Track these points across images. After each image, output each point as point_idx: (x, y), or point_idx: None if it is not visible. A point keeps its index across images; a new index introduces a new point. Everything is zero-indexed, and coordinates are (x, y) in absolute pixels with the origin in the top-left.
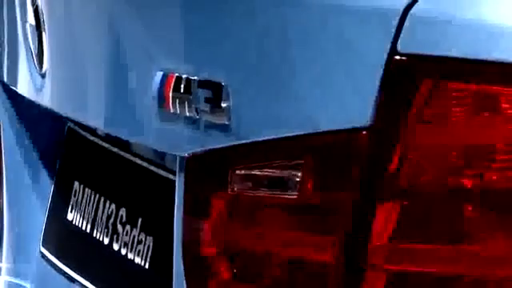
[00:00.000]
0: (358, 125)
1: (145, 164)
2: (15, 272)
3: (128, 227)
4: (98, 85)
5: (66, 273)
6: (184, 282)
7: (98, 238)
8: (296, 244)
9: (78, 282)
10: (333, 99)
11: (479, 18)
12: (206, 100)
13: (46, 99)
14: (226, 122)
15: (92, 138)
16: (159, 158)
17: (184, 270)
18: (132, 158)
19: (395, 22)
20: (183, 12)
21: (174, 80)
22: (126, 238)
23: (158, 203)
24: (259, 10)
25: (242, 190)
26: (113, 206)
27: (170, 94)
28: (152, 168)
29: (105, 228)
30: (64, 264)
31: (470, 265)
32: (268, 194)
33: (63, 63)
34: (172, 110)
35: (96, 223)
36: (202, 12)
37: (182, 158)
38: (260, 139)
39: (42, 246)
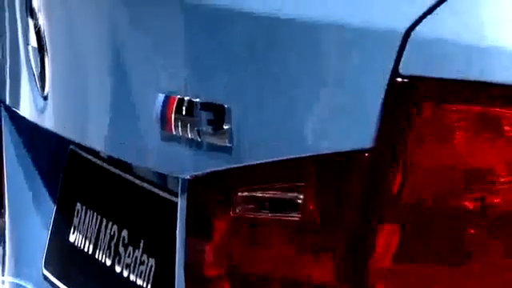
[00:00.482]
0: (359, 146)
1: (147, 186)
2: None
3: (130, 249)
4: (100, 107)
5: None
6: None
7: (100, 259)
8: (298, 265)
9: None
10: (334, 121)
11: (481, 40)
12: (208, 122)
13: (48, 121)
14: (228, 144)
15: (94, 159)
16: (161, 180)
17: None
18: (134, 180)
19: (397, 44)
20: (185, 35)
21: (176, 102)
22: (129, 260)
23: (160, 225)
24: (260, 33)
25: (244, 212)
26: (115, 227)
27: (172, 116)
28: (154, 190)
29: (107, 249)
30: (66, 286)
31: (471, 287)
32: (270, 215)
33: (65, 85)
34: (174, 132)
35: (98, 245)
36: (204, 35)
37: (184, 179)
38: (262, 161)
39: (44, 267)
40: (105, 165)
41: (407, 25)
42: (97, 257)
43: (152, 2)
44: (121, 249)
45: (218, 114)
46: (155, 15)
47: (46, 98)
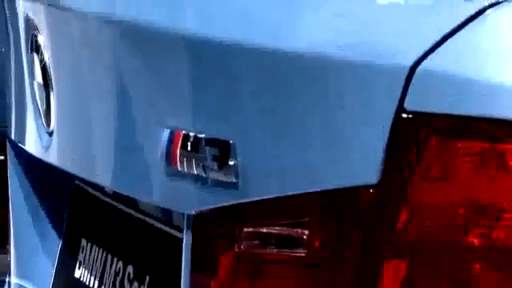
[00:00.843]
0: (364, 182)
1: (152, 221)
2: None
3: (136, 284)
4: (105, 143)
5: None
6: None
7: None
8: None
9: None
10: (340, 157)
11: (486, 76)
12: (214, 158)
13: (53, 157)
14: (234, 180)
15: (99, 195)
16: (166, 216)
17: None
18: (139, 216)
19: (402, 80)
20: (190, 71)
21: (181, 138)
22: None
23: (166, 261)
24: (266, 69)
25: (249, 248)
26: (120, 263)
27: (178, 152)
28: (159, 225)
29: (112, 285)
30: None
31: None
32: (275, 251)
33: (71, 121)
34: (179, 168)
35: (104, 280)
36: (209, 71)
37: (189, 215)
38: (267, 197)
39: None
40: (110, 200)
41: (413, 60)
42: None
43: (157, 38)
44: (126, 285)
45: (223, 150)
46: (160, 51)
47: (51, 134)
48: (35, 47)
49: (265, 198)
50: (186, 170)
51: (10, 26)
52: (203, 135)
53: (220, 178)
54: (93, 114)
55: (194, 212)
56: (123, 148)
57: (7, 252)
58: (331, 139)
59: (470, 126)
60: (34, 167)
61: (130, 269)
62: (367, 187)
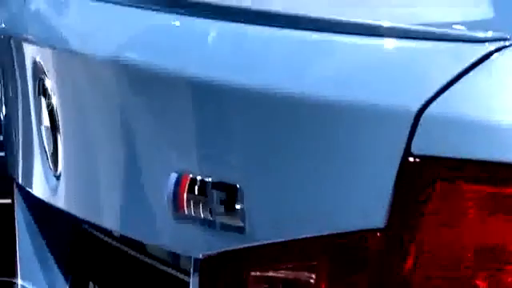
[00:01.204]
0: (371, 226)
1: (159, 265)
2: None
3: None
4: (112, 186)
5: None
6: None
7: None
8: None
9: None
10: (347, 200)
11: (493, 120)
12: (221, 202)
13: (60, 200)
14: (241, 224)
15: (106, 238)
16: (174, 259)
17: None
18: (146, 259)
19: (409, 124)
20: (197, 113)
21: (188, 181)
22: None
23: None
24: (273, 112)
25: None
26: None
27: (185, 196)
28: (166, 269)
29: None
30: None
31: None
32: None
33: (78, 165)
34: (186, 212)
35: None
36: (216, 114)
37: (196, 259)
38: (274, 241)
39: None
40: (117, 244)
41: (419, 104)
42: None
43: (164, 82)
44: None
45: (230, 194)
46: (167, 95)
47: (58, 178)
48: (42, 91)
49: (272, 241)
50: (193, 213)
51: (17, 69)
52: (210, 179)
53: (227, 222)
54: (100, 157)
55: (201, 256)
56: (130, 191)
57: None
58: (338, 183)
59: (476, 169)
60: (41, 211)
61: None
62: (374, 231)
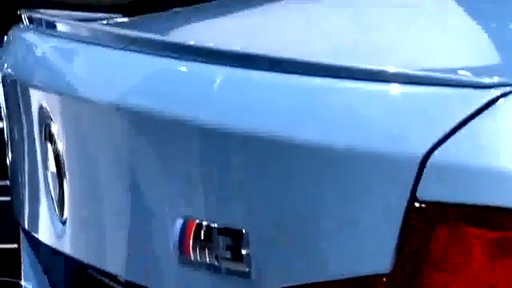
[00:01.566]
0: (377, 271)
1: None
2: None
3: None
4: (118, 231)
5: None
6: None
7: None
8: None
9: None
10: (352, 245)
11: (498, 166)
12: (227, 247)
13: (66, 246)
14: (246, 270)
15: (112, 283)
16: None
17: None
18: None
19: (415, 169)
20: (203, 159)
21: (194, 227)
22: None
23: None
24: (278, 158)
25: None
26: None
27: (190, 242)
28: None
29: None
30: None
31: None
32: None
33: (84, 210)
34: (192, 257)
35: None
36: (222, 159)
37: None
38: (280, 286)
39: None
40: None
41: (425, 149)
42: None
43: (170, 127)
44: None
45: (236, 240)
46: (173, 141)
47: (64, 223)
48: (49, 136)
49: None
50: (198, 259)
51: (23, 114)
52: (216, 224)
53: (233, 268)
54: (106, 202)
55: None
56: (136, 237)
57: None
58: (343, 228)
59: (481, 215)
60: (46, 255)
61: None
62: (380, 276)
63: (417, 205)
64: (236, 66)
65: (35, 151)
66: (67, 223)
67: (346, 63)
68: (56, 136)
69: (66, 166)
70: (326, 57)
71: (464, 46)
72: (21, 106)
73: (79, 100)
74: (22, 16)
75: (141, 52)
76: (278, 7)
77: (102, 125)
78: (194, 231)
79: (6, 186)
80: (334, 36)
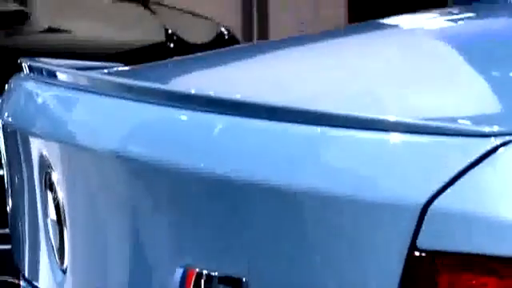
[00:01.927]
0: None
1: None
2: None
3: None
4: (118, 280)
5: None
6: None
7: None
8: None
9: None
10: None
11: (497, 216)
12: None
13: None
14: None
15: None
16: None
17: None
18: None
19: (415, 218)
20: (203, 207)
21: (194, 276)
22: None
23: None
24: (278, 204)
25: None
26: None
27: None
28: None
29: None
30: None
31: None
32: None
33: (85, 258)
34: None
35: None
36: (222, 207)
37: None
38: None
39: None
40: None
41: (425, 198)
42: None
43: (169, 176)
44: None
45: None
46: (172, 188)
47: (64, 271)
48: (49, 184)
49: None
50: None
51: (23, 162)
52: (216, 273)
53: None
54: (106, 251)
55: None
56: (136, 285)
57: None
58: (344, 277)
59: (482, 263)
60: None
61: None
62: None
63: (417, 254)
64: (234, 115)
65: (35, 199)
66: (67, 272)
67: (346, 111)
68: (56, 184)
69: (66, 214)
70: (327, 105)
71: (464, 94)
72: (21, 154)
73: (79, 148)
74: (23, 65)
75: (140, 100)
76: (277, 56)
77: (102, 173)
78: (195, 280)
79: (6, 235)
80: (331, 84)
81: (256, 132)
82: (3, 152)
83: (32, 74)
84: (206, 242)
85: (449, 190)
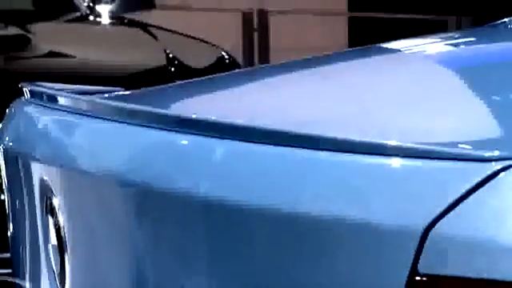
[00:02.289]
0: None
1: None
2: None
3: None
4: None
5: None
6: None
7: None
8: None
9: None
10: None
11: (498, 240)
12: None
13: None
14: None
15: None
16: None
17: None
18: None
19: (416, 243)
20: (206, 234)
21: None
22: None
23: None
24: (275, 232)
25: None
26: None
27: None
28: None
29: None
30: None
31: None
32: None
33: (85, 284)
34: None
35: None
36: (223, 233)
37: None
38: None
39: None
40: None
41: (426, 223)
42: None
43: (171, 201)
44: None
45: None
46: (174, 215)
47: None
48: (50, 210)
49: None
50: None
51: (24, 187)
52: None
53: None
54: (107, 276)
55: None
56: None
57: None
58: None
59: None
60: None
61: None
62: None
63: (418, 278)
64: (235, 139)
65: (36, 224)
66: None
67: (346, 136)
68: (57, 209)
69: (67, 239)
70: (326, 129)
71: (464, 118)
72: (22, 179)
73: (80, 173)
74: (24, 89)
75: (141, 125)
76: (278, 81)
77: (103, 198)
78: None
79: (7, 259)
80: (331, 108)
81: (259, 157)
82: (4, 177)
83: (33, 99)
84: (209, 269)
85: (450, 215)
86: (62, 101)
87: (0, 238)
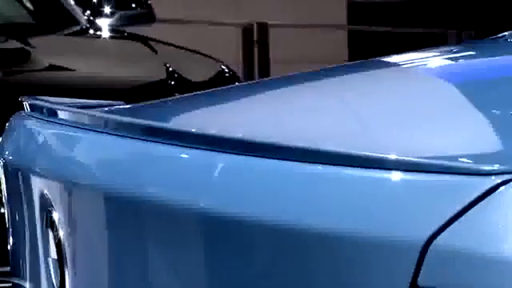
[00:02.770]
0: None
1: None
2: None
3: None
4: None
5: None
6: None
7: None
8: None
9: None
10: None
11: (497, 253)
12: None
13: None
14: None
15: None
16: None
17: None
18: None
19: (415, 256)
20: (205, 247)
21: None
22: None
23: None
24: (276, 244)
25: None
26: None
27: None
28: None
29: None
30: None
31: None
32: None
33: None
34: None
35: None
36: (224, 246)
37: None
38: None
39: None
40: None
41: (426, 237)
42: None
43: (172, 215)
44: None
45: None
46: (175, 228)
47: None
48: (50, 223)
49: None
50: None
51: (24, 201)
52: None
53: None
54: None
55: None
56: None
57: None
58: None
59: None
60: None
61: None
62: None
63: None
64: (236, 153)
65: (36, 237)
66: None
67: (346, 150)
68: (57, 223)
69: (67, 252)
70: (326, 144)
71: (464, 132)
72: (22, 193)
73: (80, 187)
74: (24, 103)
75: (141, 139)
76: (278, 94)
77: (103, 212)
78: None
79: (7, 272)
80: (331, 123)
81: (261, 171)
82: (4, 190)
83: (33, 113)
84: (211, 280)
85: (450, 228)
86: (62, 115)
87: (0, 251)
